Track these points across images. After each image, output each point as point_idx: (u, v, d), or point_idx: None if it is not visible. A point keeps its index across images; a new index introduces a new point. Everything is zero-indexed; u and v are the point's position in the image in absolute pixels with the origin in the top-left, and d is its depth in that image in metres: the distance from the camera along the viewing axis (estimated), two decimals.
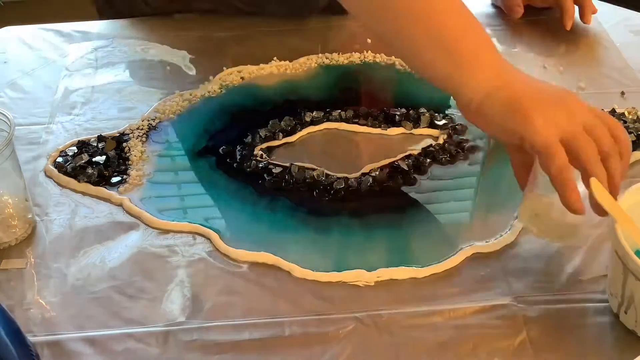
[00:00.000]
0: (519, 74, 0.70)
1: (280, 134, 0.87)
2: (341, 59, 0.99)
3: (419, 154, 0.84)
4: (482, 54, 0.70)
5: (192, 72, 0.99)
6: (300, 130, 0.88)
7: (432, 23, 0.70)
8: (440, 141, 0.86)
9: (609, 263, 0.66)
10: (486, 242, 0.73)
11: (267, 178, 0.81)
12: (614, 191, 0.65)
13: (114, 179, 0.82)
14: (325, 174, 0.81)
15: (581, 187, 0.65)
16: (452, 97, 0.73)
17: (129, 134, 0.88)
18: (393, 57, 0.99)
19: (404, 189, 0.80)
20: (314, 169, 0.82)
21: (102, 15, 1.14)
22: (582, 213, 0.64)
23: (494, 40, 1.03)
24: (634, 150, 0.83)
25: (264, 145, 0.86)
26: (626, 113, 0.88)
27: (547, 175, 0.64)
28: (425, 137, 0.87)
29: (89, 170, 0.82)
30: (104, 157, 0.84)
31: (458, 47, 0.69)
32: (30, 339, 0.62)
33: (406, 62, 0.76)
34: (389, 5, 0.71)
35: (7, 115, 0.73)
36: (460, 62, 0.69)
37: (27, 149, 0.86)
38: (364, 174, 0.82)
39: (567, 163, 0.63)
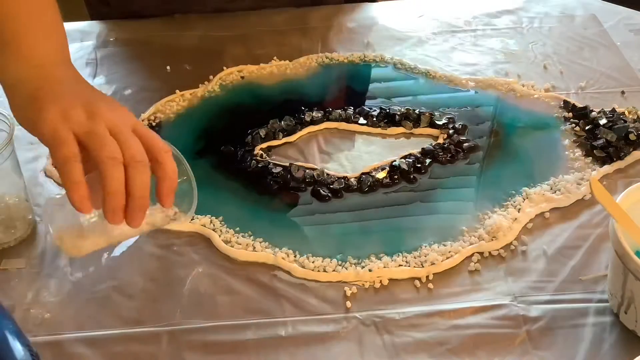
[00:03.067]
0: (61, 74, 0.67)
1: (280, 134, 0.87)
2: (341, 58, 0.99)
3: (419, 153, 0.84)
4: (33, 46, 0.67)
5: (192, 71, 0.99)
6: (300, 130, 0.88)
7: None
8: (440, 141, 0.86)
9: (609, 263, 0.66)
10: (486, 242, 0.73)
11: (267, 178, 0.81)
12: (133, 201, 0.59)
13: None
14: (325, 173, 0.81)
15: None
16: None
17: None
18: (393, 56, 0.99)
19: (404, 188, 0.80)
20: (314, 169, 0.82)
21: (92, 16, 1.12)
22: (86, 211, 0.59)
23: (496, 40, 1.03)
24: (634, 149, 0.83)
25: (264, 145, 0.86)
26: (626, 112, 0.88)
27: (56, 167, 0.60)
28: (425, 137, 0.88)
29: None
30: None
31: (6, 33, 0.67)
32: (30, 339, 0.62)
33: None
34: None
35: (7, 116, 0.73)
36: (3, 47, 0.66)
37: (27, 149, 0.86)
38: (364, 174, 0.82)
39: (75, 155, 0.58)
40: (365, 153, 0.85)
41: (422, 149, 0.85)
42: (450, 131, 0.87)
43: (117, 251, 0.74)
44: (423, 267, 0.71)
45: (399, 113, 0.89)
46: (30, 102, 0.63)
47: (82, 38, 1.06)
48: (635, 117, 0.88)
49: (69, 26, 1.07)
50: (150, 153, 0.60)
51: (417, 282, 0.70)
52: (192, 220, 0.76)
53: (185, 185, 0.64)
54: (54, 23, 0.71)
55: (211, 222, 0.76)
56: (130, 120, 0.62)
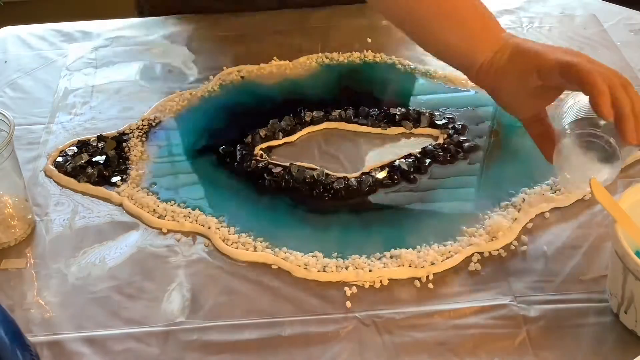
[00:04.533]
0: (522, 38, 0.75)
1: (280, 133, 0.87)
2: (341, 58, 0.99)
3: (419, 153, 0.84)
4: (488, 25, 0.76)
5: (192, 71, 0.99)
6: (300, 130, 0.88)
7: (444, 5, 0.77)
8: (440, 141, 0.86)
9: (609, 263, 0.66)
10: (486, 242, 0.73)
11: (267, 178, 0.81)
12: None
13: (114, 179, 0.82)
14: (325, 173, 0.81)
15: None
16: (465, 75, 0.79)
17: (129, 134, 0.88)
18: (393, 56, 0.99)
19: (404, 188, 0.80)
20: (314, 169, 0.82)
21: (141, 14, 1.14)
22: (611, 118, 0.65)
23: None
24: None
25: (264, 145, 0.86)
26: None
27: (577, 81, 0.66)
28: (425, 137, 0.88)
29: (89, 170, 0.82)
30: (104, 157, 0.84)
31: (467, 22, 0.76)
32: (30, 339, 0.62)
33: (423, 44, 0.82)
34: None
35: (7, 115, 0.73)
36: (470, 34, 0.75)
37: (27, 149, 0.86)
38: (364, 174, 0.82)
39: (595, 69, 0.66)
40: (365, 153, 0.85)
41: (422, 149, 0.85)
42: (450, 131, 0.87)
43: (117, 251, 0.74)
44: (423, 267, 0.71)
45: (399, 113, 0.89)
46: (516, 57, 0.72)
47: (82, 38, 1.06)
48: None
49: (68, 26, 1.08)
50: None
51: (417, 282, 0.70)
52: (190, 220, 0.76)
53: None
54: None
55: (211, 221, 0.76)
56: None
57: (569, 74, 0.67)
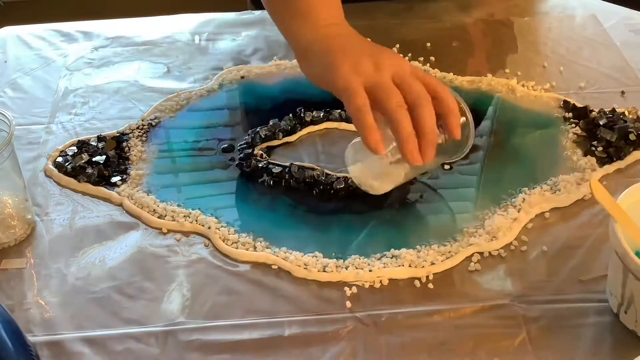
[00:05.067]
0: (345, 31, 0.76)
1: (280, 134, 0.87)
2: None
3: None
4: (318, 10, 0.76)
5: (192, 71, 0.99)
6: (300, 130, 0.88)
7: None
8: (441, 141, 0.86)
9: (609, 263, 0.66)
10: (486, 242, 0.73)
11: (267, 178, 0.81)
12: (423, 137, 0.67)
13: (114, 179, 0.82)
14: (325, 173, 0.81)
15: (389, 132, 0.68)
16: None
17: (128, 134, 0.88)
18: None
19: (404, 188, 0.80)
20: (314, 169, 0.82)
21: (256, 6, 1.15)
22: (381, 152, 0.68)
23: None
24: (634, 149, 0.83)
25: (264, 145, 0.86)
26: (626, 113, 0.88)
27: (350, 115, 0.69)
28: None
29: (89, 170, 0.82)
30: (104, 157, 0.84)
31: (294, 8, 0.77)
32: (30, 339, 0.62)
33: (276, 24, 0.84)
34: None
35: (7, 115, 0.73)
36: (295, 15, 0.76)
37: (27, 149, 0.86)
38: None
39: (366, 104, 0.67)
40: None
41: None
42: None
43: (117, 251, 0.74)
44: (423, 267, 0.71)
45: None
46: (322, 58, 0.72)
47: (82, 38, 1.06)
48: (635, 117, 0.88)
49: (68, 26, 1.08)
50: (432, 92, 0.68)
51: (417, 282, 0.70)
52: (190, 220, 0.76)
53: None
54: None
55: (211, 221, 0.76)
56: (408, 67, 0.71)
57: (346, 107, 0.69)
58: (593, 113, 0.88)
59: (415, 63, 0.97)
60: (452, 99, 0.70)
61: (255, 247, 0.74)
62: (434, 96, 0.68)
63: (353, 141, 0.73)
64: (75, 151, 0.85)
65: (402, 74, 0.69)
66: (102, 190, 0.80)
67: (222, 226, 0.76)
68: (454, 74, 0.96)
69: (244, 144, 0.86)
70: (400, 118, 0.66)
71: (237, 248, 0.74)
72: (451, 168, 0.83)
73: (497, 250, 0.73)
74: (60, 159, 0.84)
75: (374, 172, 0.73)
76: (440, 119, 0.70)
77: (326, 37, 0.74)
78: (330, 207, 0.78)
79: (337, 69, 0.70)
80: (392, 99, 0.67)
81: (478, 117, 0.89)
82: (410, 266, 0.71)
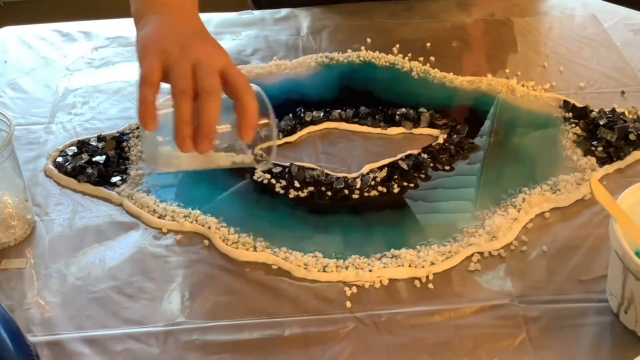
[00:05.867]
0: (184, 16, 0.75)
1: (280, 134, 0.87)
2: (341, 58, 0.99)
3: (419, 154, 0.84)
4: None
5: None
6: (300, 130, 0.88)
7: None
8: (440, 141, 0.86)
9: (609, 263, 0.66)
10: (486, 242, 0.73)
11: (267, 178, 0.81)
12: (200, 128, 0.64)
13: (114, 179, 0.82)
14: (325, 173, 0.81)
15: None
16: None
17: (128, 134, 0.88)
18: (393, 56, 0.99)
19: (404, 188, 0.80)
20: (314, 169, 0.82)
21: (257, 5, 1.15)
22: (148, 127, 0.65)
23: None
24: (634, 149, 0.83)
25: (264, 145, 0.86)
26: (626, 113, 0.88)
27: None
28: (425, 137, 0.87)
29: (89, 170, 0.82)
30: (103, 157, 0.84)
31: None
32: (30, 339, 0.62)
33: None
34: None
35: (7, 115, 0.73)
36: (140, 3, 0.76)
37: (27, 149, 0.86)
38: (364, 174, 0.82)
39: (151, 79, 0.66)
40: (365, 153, 0.85)
41: (422, 149, 0.85)
42: (451, 131, 0.87)
43: (117, 251, 0.74)
44: (423, 267, 0.71)
45: (399, 113, 0.89)
46: (149, 28, 0.71)
47: (82, 38, 1.06)
48: (635, 117, 0.88)
49: (68, 26, 1.08)
50: (234, 92, 0.67)
51: (417, 282, 0.70)
52: (190, 220, 0.76)
53: (267, 130, 0.70)
54: None
55: (211, 221, 0.76)
56: (221, 60, 0.68)
57: (140, 75, 0.67)
58: (593, 113, 0.88)
59: (415, 63, 0.98)
60: (252, 101, 0.67)
61: (255, 247, 0.74)
62: (236, 97, 0.67)
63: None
64: (75, 151, 0.85)
65: (205, 65, 0.67)
66: (102, 190, 0.81)
67: (222, 226, 0.76)
68: (453, 74, 0.96)
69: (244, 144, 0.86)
70: (180, 103, 0.65)
71: (237, 248, 0.74)
72: (451, 168, 0.83)
73: (497, 250, 0.73)
74: (60, 159, 0.84)
75: (153, 148, 0.70)
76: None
77: (165, 13, 0.74)
78: (330, 207, 0.78)
79: (148, 41, 0.70)
80: (178, 84, 0.66)
81: (478, 118, 0.89)
82: (410, 266, 0.71)
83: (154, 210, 0.78)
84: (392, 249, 0.73)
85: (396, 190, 0.80)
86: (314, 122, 0.89)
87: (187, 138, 0.65)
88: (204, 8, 1.08)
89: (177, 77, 0.66)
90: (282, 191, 0.80)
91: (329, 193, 0.80)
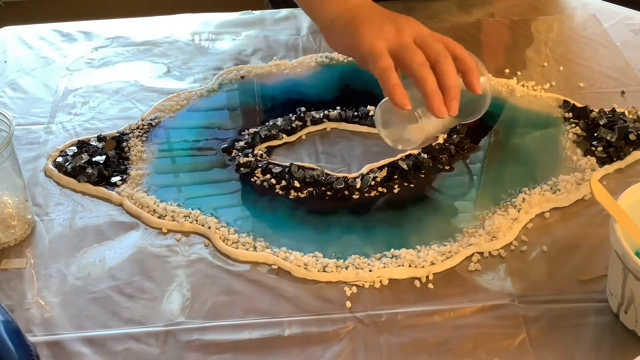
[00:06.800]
0: (366, 2, 0.81)
1: (280, 134, 0.87)
2: (341, 58, 0.99)
3: (419, 154, 0.84)
4: None
5: (192, 71, 0.99)
6: (300, 130, 0.88)
7: None
8: (440, 141, 0.86)
9: (609, 263, 0.66)
10: (486, 242, 0.73)
11: (267, 178, 0.81)
12: (448, 91, 0.70)
13: (114, 179, 0.82)
14: (325, 173, 0.81)
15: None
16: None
17: (128, 134, 0.88)
18: None
19: (404, 188, 0.80)
20: (314, 169, 0.82)
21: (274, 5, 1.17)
22: (406, 108, 0.70)
23: None
24: (634, 149, 0.83)
25: (264, 145, 0.86)
26: (626, 113, 0.88)
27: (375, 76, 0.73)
28: None
29: (89, 170, 0.82)
30: (103, 157, 0.84)
31: None
32: (30, 339, 0.62)
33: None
34: None
35: (7, 115, 0.73)
36: None
37: (27, 149, 0.86)
38: (364, 174, 0.82)
39: (391, 65, 0.72)
40: (365, 153, 0.85)
41: (422, 149, 0.85)
42: (451, 131, 0.87)
43: (117, 251, 0.74)
44: (423, 267, 0.71)
45: None
46: (348, 27, 0.77)
47: (82, 38, 1.06)
48: (635, 117, 0.88)
49: (68, 26, 1.08)
50: (450, 51, 0.73)
51: (417, 282, 0.70)
52: (190, 220, 0.76)
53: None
54: None
55: (211, 221, 0.76)
56: (425, 29, 0.76)
57: (372, 69, 0.73)
58: (593, 113, 0.88)
59: None
60: (471, 57, 0.74)
61: (255, 247, 0.74)
62: (454, 55, 0.72)
63: (380, 103, 0.75)
64: (75, 151, 0.85)
65: (422, 36, 0.74)
66: (102, 190, 0.81)
67: (222, 226, 0.76)
68: None
69: (244, 144, 0.86)
70: (425, 74, 0.70)
71: (237, 248, 0.74)
72: (452, 168, 0.83)
73: (497, 250, 0.73)
74: (60, 159, 0.84)
75: (403, 129, 0.75)
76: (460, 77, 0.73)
77: (350, 9, 0.79)
78: (330, 207, 0.78)
79: (361, 36, 0.75)
80: (415, 58, 0.71)
81: (479, 118, 0.89)
82: (410, 266, 0.71)
83: (154, 210, 0.78)
84: (392, 249, 0.73)
85: (396, 190, 0.80)
86: (314, 122, 0.89)
87: (442, 105, 0.70)
88: (205, 8, 1.08)
89: (410, 53, 0.72)
90: (282, 191, 0.80)
91: (329, 193, 0.80)
